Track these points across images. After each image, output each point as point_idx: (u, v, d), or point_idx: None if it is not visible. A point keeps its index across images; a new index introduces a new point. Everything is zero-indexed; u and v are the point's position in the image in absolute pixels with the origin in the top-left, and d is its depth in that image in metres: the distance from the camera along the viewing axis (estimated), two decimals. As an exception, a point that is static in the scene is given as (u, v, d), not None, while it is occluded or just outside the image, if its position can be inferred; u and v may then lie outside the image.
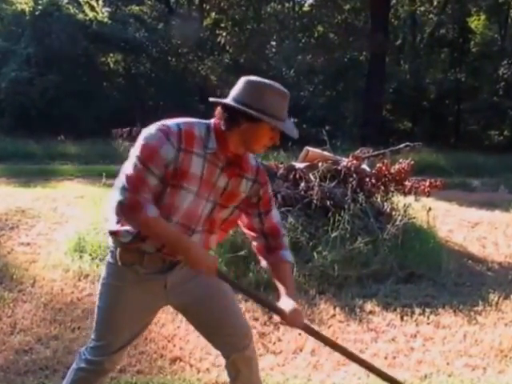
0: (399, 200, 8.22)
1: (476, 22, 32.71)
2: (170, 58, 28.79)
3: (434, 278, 6.98)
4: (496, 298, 6.32)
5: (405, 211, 7.88)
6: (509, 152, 22.92)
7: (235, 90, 2.77)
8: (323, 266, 6.60)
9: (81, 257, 6.85)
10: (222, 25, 31.18)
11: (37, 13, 23.49)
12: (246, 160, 2.92)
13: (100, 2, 25.90)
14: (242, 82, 2.79)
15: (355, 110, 28.85)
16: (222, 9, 31.59)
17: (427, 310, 5.93)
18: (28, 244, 7.77)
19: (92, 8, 25.47)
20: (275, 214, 3.09)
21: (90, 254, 6.85)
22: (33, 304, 5.60)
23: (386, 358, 4.88)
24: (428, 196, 8.25)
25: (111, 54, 27.66)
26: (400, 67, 31.79)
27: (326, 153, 8.49)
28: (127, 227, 2.83)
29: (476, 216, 10.98)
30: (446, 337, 5.36)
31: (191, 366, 4.54)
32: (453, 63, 30.96)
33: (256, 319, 5.37)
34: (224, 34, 30.08)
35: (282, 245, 3.08)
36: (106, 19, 25.66)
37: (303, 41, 31.07)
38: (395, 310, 5.97)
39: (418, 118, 31.80)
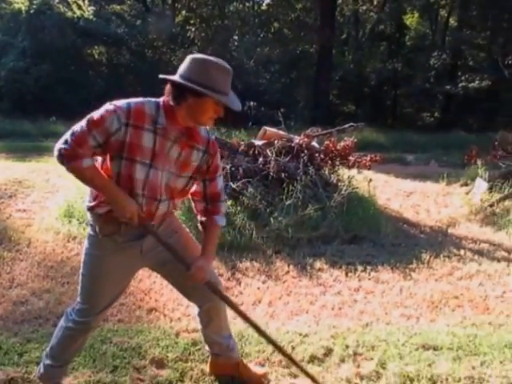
0: (344, 172, 8.23)
1: (410, 19, 32.81)
2: (146, 50, 28.60)
3: (374, 240, 7.01)
4: (428, 257, 6.35)
5: (349, 182, 7.90)
6: (439, 131, 23.05)
7: (182, 68, 2.71)
8: (279, 230, 6.63)
9: (70, 221, 6.88)
10: (192, 21, 30.97)
11: (31, 11, 23.50)
12: (196, 132, 2.85)
13: (86, 2, 25.74)
14: (188, 59, 2.72)
15: (306, 95, 28.89)
16: (191, 8, 31.39)
17: (368, 268, 5.96)
18: (24, 210, 7.84)
19: (79, 7, 25.43)
20: (219, 182, 3.03)
21: (78, 219, 6.86)
22: (28, 262, 5.67)
23: (332, 308, 4.88)
24: (369, 169, 8.26)
25: (96, 47, 27.44)
26: (345, 58, 31.78)
27: (281, 132, 8.46)
28: (102, 199, 2.78)
29: (410, 186, 11.05)
30: (385, 290, 5.36)
31: (165, 315, 4.56)
32: (390, 55, 31.00)
33: (220, 275, 5.34)
34: (193, 29, 29.85)
35: (219, 210, 3.06)
36: (91, 16, 25.49)
37: (261, 35, 30.95)
38: (341, 267, 5.97)
39: (361, 101, 31.88)
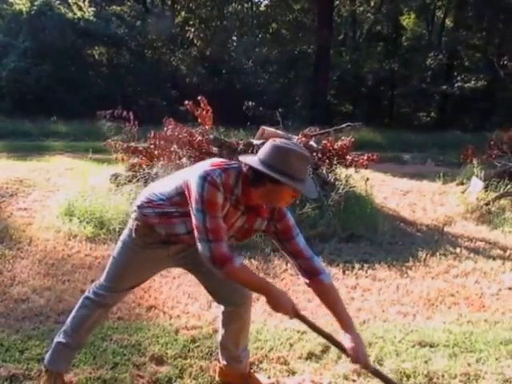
0: (342, 172, 8.23)
1: (407, 20, 32.87)
2: (146, 51, 28.64)
3: (371, 238, 7.02)
4: (424, 255, 6.36)
5: (346, 181, 7.90)
6: (435, 131, 23.10)
7: (263, 152, 2.69)
8: (277, 228, 6.59)
9: (70, 220, 6.84)
10: (191, 22, 30.97)
11: (32, 12, 23.52)
12: (263, 209, 2.85)
13: (86, 3, 25.76)
14: (269, 145, 2.70)
15: (304, 95, 28.88)
16: (190, 9, 31.38)
17: (365, 266, 5.96)
18: (25, 209, 7.83)
19: (80, 8, 25.49)
20: (299, 241, 2.93)
21: (78, 218, 6.83)
22: (29, 260, 5.66)
23: (330, 306, 4.86)
24: (366, 168, 8.26)
25: (96, 47, 27.47)
26: (342, 58, 31.73)
27: (279, 131, 8.44)
28: (155, 203, 2.90)
29: (407, 185, 11.05)
30: (382, 288, 5.37)
31: (164, 313, 4.56)
32: (387, 55, 31.03)
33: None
34: (192, 30, 29.85)
35: (316, 268, 2.91)
36: (91, 17, 25.50)
37: (260, 36, 30.97)
38: (338, 265, 5.97)
39: (358, 101, 31.92)
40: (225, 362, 3.37)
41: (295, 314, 2.80)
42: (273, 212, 2.88)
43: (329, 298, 2.94)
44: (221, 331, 3.31)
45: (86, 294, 3.22)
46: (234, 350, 3.30)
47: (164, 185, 2.94)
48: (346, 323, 2.87)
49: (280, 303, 2.74)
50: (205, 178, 2.62)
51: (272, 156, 2.64)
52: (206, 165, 2.71)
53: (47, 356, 3.22)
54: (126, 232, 3.10)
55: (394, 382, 3.07)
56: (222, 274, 2.68)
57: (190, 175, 2.72)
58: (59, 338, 3.19)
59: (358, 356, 2.77)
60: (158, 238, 2.95)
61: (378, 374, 2.94)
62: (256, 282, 2.80)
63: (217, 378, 3.44)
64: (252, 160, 2.68)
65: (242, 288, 3.06)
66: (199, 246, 2.67)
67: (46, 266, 5.51)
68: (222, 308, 3.26)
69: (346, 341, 2.80)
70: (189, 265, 3.16)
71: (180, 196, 2.78)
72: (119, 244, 3.12)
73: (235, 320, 3.21)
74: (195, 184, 2.64)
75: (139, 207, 2.96)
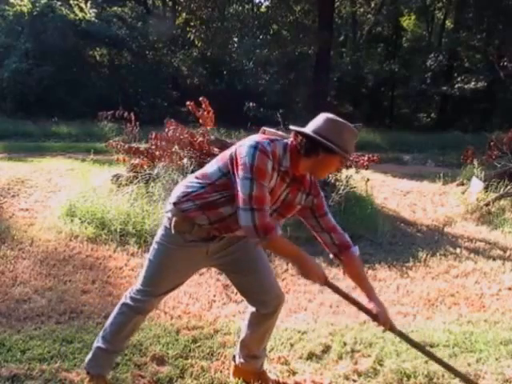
0: (342, 172, 8.22)
1: (407, 21, 32.88)
2: (147, 52, 28.53)
3: (371, 239, 7.02)
4: (424, 256, 6.37)
5: (347, 182, 7.90)
6: (435, 131, 23.08)
7: (315, 124, 2.80)
8: (278, 229, 6.59)
9: (72, 220, 6.85)
10: (192, 23, 30.88)
11: (34, 13, 23.46)
12: (306, 178, 2.96)
13: (88, 4, 25.70)
14: (322, 117, 2.82)
15: (305, 96, 28.76)
16: (191, 10, 31.27)
17: (366, 266, 5.94)
18: (27, 209, 7.84)
19: (81, 9, 25.39)
20: (331, 217, 3.12)
21: (80, 218, 6.83)
22: (31, 260, 5.66)
23: (330, 306, 4.89)
24: (366, 169, 8.26)
25: (97, 49, 27.40)
26: (342, 59, 31.72)
27: (280, 132, 8.41)
28: (192, 197, 2.89)
29: (407, 186, 11.06)
30: (382, 288, 5.38)
31: (165, 313, 4.56)
32: (387, 56, 31.04)
33: (220, 273, 5.32)
34: (193, 31, 29.73)
35: (347, 241, 3.10)
36: (93, 19, 25.41)
37: (261, 37, 30.82)
38: (338, 265, 5.94)
39: (358, 102, 31.84)
40: (242, 361, 3.38)
41: (325, 281, 2.92)
42: (311, 187, 3.00)
43: (358, 270, 3.22)
44: (246, 331, 3.31)
45: (123, 300, 3.17)
46: (255, 349, 3.33)
47: (203, 171, 2.95)
48: (370, 292, 3.13)
49: (312, 271, 2.87)
50: (255, 147, 2.69)
51: (326, 128, 2.75)
52: (253, 137, 2.80)
53: (87, 360, 3.21)
54: (160, 232, 3.06)
55: (421, 345, 3.29)
56: (264, 242, 2.75)
57: (235, 149, 2.78)
58: (98, 343, 3.17)
59: (384, 320, 3.01)
60: (199, 233, 2.93)
61: (403, 336, 3.16)
62: (293, 251, 2.89)
63: (231, 377, 3.45)
64: (309, 132, 2.77)
65: (275, 290, 3.16)
66: (241, 216, 2.69)
67: (48, 266, 5.51)
68: (251, 309, 3.26)
69: (373, 307, 3.04)
70: (225, 265, 3.15)
71: (225, 176, 2.80)
72: (154, 246, 3.08)
73: (264, 322, 3.23)
74: (245, 153, 2.69)
75: (176, 204, 2.94)
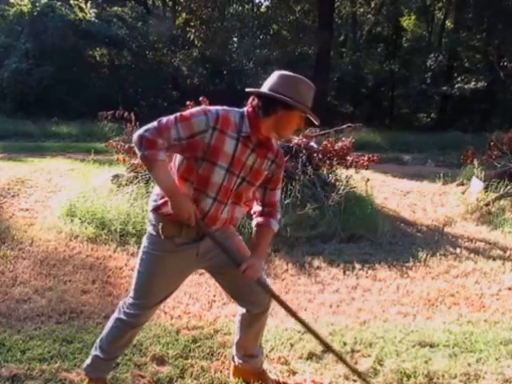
0: (342, 172, 8.25)
1: (407, 22, 32.89)
2: (147, 52, 28.57)
3: (371, 239, 7.02)
4: (424, 256, 6.36)
5: (347, 182, 7.91)
6: (435, 131, 23.11)
7: (270, 82, 2.84)
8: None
9: (72, 220, 6.85)
10: (192, 23, 30.95)
11: (34, 13, 23.49)
12: (271, 143, 2.97)
13: (88, 4, 25.69)
14: (276, 75, 2.87)
15: (305, 96, 28.83)
16: (191, 10, 31.32)
17: (366, 266, 5.97)
18: (27, 209, 7.85)
19: (81, 9, 25.41)
20: (277, 193, 3.13)
21: (80, 218, 6.83)
22: (31, 260, 5.66)
23: (330, 306, 4.88)
24: (366, 169, 8.25)
25: (97, 49, 27.41)
26: (342, 59, 31.75)
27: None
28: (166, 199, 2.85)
29: (407, 186, 11.07)
30: (382, 288, 5.37)
31: (165, 313, 4.56)
32: (387, 56, 31.03)
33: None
34: (193, 31, 29.80)
35: (275, 215, 3.12)
36: (93, 19, 25.45)
37: (261, 37, 30.87)
38: (338, 265, 5.98)
39: (358, 102, 31.90)
40: (240, 361, 3.39)
41: (195, 220, 2.82)
42: (277, 154, 3.01)
43: (259, 235, 3.11)
44: (239, 333, 3.31)
45: (117, 314, 3.11)
46: (251, 348, 3.34)
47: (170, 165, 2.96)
48: (256, 247, 3.07)
49: (183, 206, 2.78)
50: (202, 106, 2.80)
51: (281, 84, 2.79)
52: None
53: (86, 365, 3.20)
54: (146, 241, 3.01)
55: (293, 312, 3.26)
56: (140, 155, 2.72)
57: None
58: (96, 351, 3.16)
59: (248, 272, 2.91)
60: (188, 234, 2.91)
61: (263, 285, 3.10)
62: (168, 182, 2.79)
63: (231, 377, 3.46)
64: (265, 90, 2.81)
65: (264, 292, 3.11)
66: (139, 130, 2.74)
67: (48, 266, 5.50)
68: (241, 311, 3.25)
69: (247, 261, 2.95)
70: (215, 267, 3.12)
71: (186, 160, 2.84)
72: (142, 256, 3.02)
73: (255, 321, 3.23)
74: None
75: (155, 209, 2.93)
